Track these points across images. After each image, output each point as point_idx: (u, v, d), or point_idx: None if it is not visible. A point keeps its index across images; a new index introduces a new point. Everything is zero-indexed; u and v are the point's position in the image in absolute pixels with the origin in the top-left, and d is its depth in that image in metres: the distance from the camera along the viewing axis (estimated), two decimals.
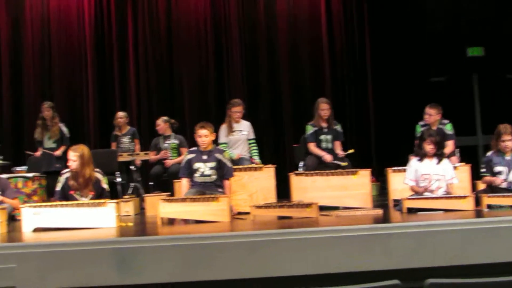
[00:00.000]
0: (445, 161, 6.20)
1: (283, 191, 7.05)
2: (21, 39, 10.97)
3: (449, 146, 7.32)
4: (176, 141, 8.74)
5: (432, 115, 7.52)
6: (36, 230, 5.56)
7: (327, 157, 7.48)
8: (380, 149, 10.47)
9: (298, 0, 10.98)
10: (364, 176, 6.63)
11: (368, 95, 10.80)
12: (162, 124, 8.87)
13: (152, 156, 8.75)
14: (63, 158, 7.64)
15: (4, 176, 7.27)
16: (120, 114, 9.35)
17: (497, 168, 6.25)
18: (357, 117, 10.76)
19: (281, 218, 5.75)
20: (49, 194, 7.64)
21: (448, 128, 7.57)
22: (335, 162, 7.41)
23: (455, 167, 6.47)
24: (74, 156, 6.25)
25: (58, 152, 8.59)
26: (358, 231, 4.42)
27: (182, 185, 6.61)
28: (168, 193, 7.38)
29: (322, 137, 7.70)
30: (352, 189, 6.54)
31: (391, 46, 10.59)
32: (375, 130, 10.66)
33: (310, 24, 10.95)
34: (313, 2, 10.99)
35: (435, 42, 10.09)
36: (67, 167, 6.44)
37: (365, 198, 6.52)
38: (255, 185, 6.82)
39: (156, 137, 9.02)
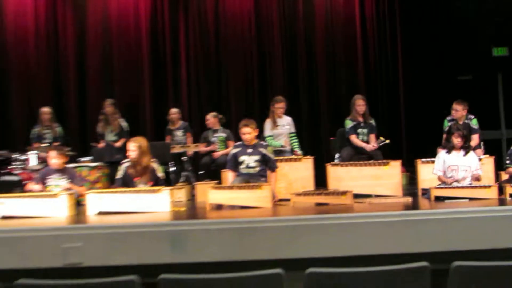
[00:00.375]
0: (471, 153, 6.12)
1: (320, 180, 7.04)
2: (85, 42, 11.13)
3: (475, 139, 7.24)
4: (224, 134, 8.81)
5: (459, 110, 7.45)
6: (100, 213, 5.67)
7: (368, 147, 7.53)
8: (410, 142, 10.37)
9: (334, 3, 10.89)
10: (395, 167, 6.57)
11: (399, 91, 10.69)
12: (211, 118, 8.94)
13: (202, 148, 8.82)
14: (123, 150, 7.73)
15: (71, 165, 7.43)
16: (173, 110, 9.45)
17: None
18: (389, 112, 10.65)
19: (318, 204, 5.75)
20: (111, 182, 7.75)
21: (474, 123, 7.48)
22: (379, 144, 7.47)
23: (480, 159, 6.39)
24: (133, 147, 6.35)
25: (118, 144, 8.72)
26: (389, 217, 4.41)
27: (228, 177, 6.64)
28: (217, 181, 7.43)
29: (359, 130, 7.72)
30: (384, 178, 6.49)
31: (421, 46, 10.46)
32: (406, 124, 10.56)
33: (345, 25, 10.86)
34: (348, 4, 10.89)
35: (463, 43, 9.94)
36: (126, 157, 6.53)
37: (396, 187, 6.47)
38: (295, 174, 6.83)
39: (205, 131, 9.09)
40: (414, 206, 5.54)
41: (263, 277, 2.79)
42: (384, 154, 7.71)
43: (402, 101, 10.64)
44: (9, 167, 8.39)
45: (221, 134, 8.82)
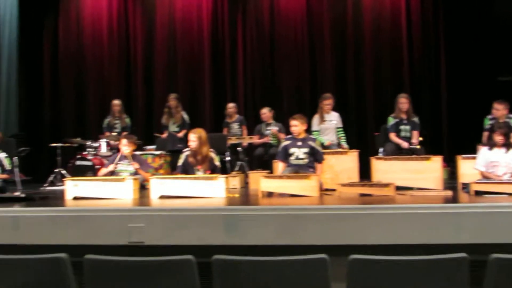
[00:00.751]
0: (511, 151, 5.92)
1: (364, 172, 6.93)
2: (153, 41, 11.30)
3: None
4: (276, 128, 8.80)
5: (499, 110, 7.22)
6: (161, 197, 5.72)
7: (404, 144, 7.38)
8: (451, 139, 10.11)
9: (381, 5, 10.69)
10: (436, 162, 6.40)
11: (441, 90, 10.41)
12: (267, 112, 8.97)
13: (255, 140, 8.85)
14: (184, 140, 7.80)
15: (138, 153, 7.56)
16: (230, 104, 9.50)
17: None
18: (431, 110, 10.39)
19: (362, 195, 5.65)
20: (172, 169, 7.84)
21: None
22: (411, 147, 7.28)
23: None
24: (194, 138, 6.41)
25: (180, 134, 8.81)
26: (430, 209, 4.29)
27: (279, 167, 6.63)
28: (268, 171, 7.41)
29: (402, 127, 7.57)
30: (425, 172, 6.33)
31: (463, 47, 10.17)
32: (447, 122, 10.28)
33: (392, 27, 10.62)
34: (395, 6, 10.67)
35: (503, 44, 9.63)
36: (187, 147, 6.60)
37: (437, 181, 6.29)
38: (341, 166, 6.76)
39: (259, 124, 9.11)
40: (454, 199, 5.38)
41: (308, 261, 2.75)
42: (426, 150, 7.58)
43: (444, 100, 10.36)
44: (83, 153, 8.60)
45: (274, 128, 8.80)
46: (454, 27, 10.36)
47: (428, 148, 8.15)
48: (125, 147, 6.74)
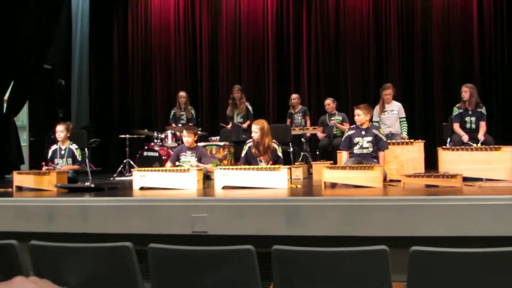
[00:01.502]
0: None
1: (431, 163, 6.79)
2: (218, 35, 11.46)
3: None
4: (340, 118, 8.77)
5: None
6: (225, 187, 5.79)
7: (464, 138, 7.19)
8: None
9: None
10: (507, 152, 6.17)
11: None
12: (331, 103, 8.93)
13: (319, 132, 8.86)
14: (248, 131, 7.88)
15: (201, 144, 7.68)
16: (294, 95, 9.51)
17: None
18: (503, 100, 10.03)
19: (428, 186, 5.54)
20: (236, 159, 7.95)
21: None
22: (470, 143, 7.04)
23: None
24: (256, 129, 6.46)
25: (244, 125, 8.90)
26: (498, 201, 4.16)
27: (342, 157, 6.62)
28: (331, 161, 7.37)
29: (467, 118, 7.35)
30: (495, 163, 6.13)
31: None
32: None
33: (462, 14, 10.32)
34: None
35: None
36: (251, 138, 6.66)
37: (507, 172, 6.08)
38: (406, 157, 6.64)
39: (323, 115, 9.09)
40: None
41: (369, 253, 2.73)
42: (497, 140, 7.33)
43: None
44: (150, 144, 8.83)
45: (337, 118, 8.78)
46: None
47: (500, 138, 7.88)
48: (186, 137, 6.87)
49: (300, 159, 8.71)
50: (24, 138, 9.97)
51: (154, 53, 11.70)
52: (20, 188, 6.26)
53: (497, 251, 2.60)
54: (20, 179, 6.34)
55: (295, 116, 9.38)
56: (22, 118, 10.10)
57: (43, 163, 6.89)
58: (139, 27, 11.83)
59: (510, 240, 3.59)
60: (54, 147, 7.19)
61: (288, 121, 9.45)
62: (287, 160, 8.02)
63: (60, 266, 2.91)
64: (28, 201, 4.93)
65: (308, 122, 9.30)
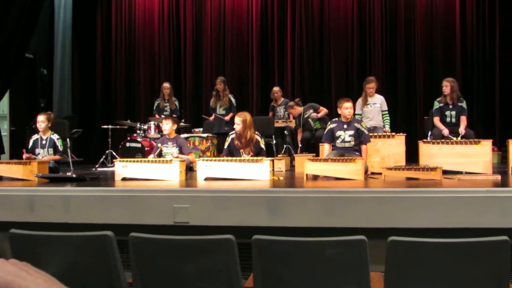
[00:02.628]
0: None
1: (412, 156, 6.87)
2: (202, 26, 11.44)
3: None
4: (311, 110, 8.87)
5: None
6: (207, 179, 5.80)
7: (445, 131, 7.24)
8: (503, 123, 9.87)
9: None
10: (486, 146, 6.26)
11: (495, 74, 10.15)
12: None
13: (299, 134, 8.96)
14: (231, 123, 7.89)
15: (184, 135, 7.68)
16: (276, 88, 9.55)
17: None
18: (483, 94, 10.17)
19: (408, 179, 5.61)
20: (219, 151, 7.96)
21: None
22: (450, 136, 7.12)
23: None
24: (238, 121, 6.47)
25: (227, 118, 8.91)
26: (477, 193, 4.23)
27: (325, 149, 6.66)
28: (314, 154, 7.42)
29: (447, 112, 7.42)
30: (474, 157, 6.21)
31: None
32: (500, 106, 10.04)
33: (445, 9, 10.42)
34: None
35: None
36: (233, 129, 6.67)
37: (486, 165, 6.16)
38: (388, 150, 6.71)
39: (305, 106, 9.15)
40: (503, 183, 5.26)
41: (347, 243, 2.77)
42: (477, 134, 7.43)
43: (497, 83, 10.11)
44: (133, 135, 8.81)
45: (309, 111, 8.85)
46: (509, 16, 10.04)
47: (479, 132, 7.99)
48: (164, 124, 6.89)
49: (283, 152, 8.75)
50: (4, 128, 9.89)
51: (137, 43, 11.65)
52: (0, 178, 6.23)
53: (474, 242, 2.66)
54: (0, 168, 6.31)
55: (278, 108, 9.41)
56: (3, 107, 10.01)
57: (24, 150, 6.86)
58: (123, 17, 11.77)
59: (488, 231, 3.66)
60: (35, 137, 7.14)
61: (271, 113, 9.48)
62: (270, 152, 8.06)
63: (40, 254, 2.91)
64: (9, 190, 4.91)
65: (291, 115, 9.33)
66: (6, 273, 0.75)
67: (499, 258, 2.61)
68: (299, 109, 8.83)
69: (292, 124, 9.03)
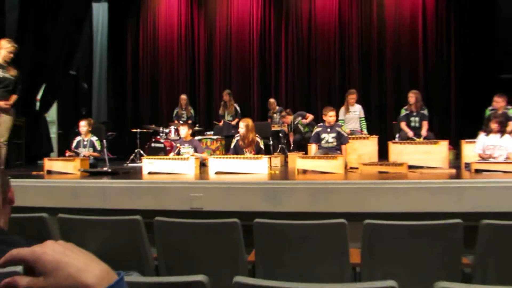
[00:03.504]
0: (506, 136, 5.74)
1: (383, 154, 6.86)
2: (212, 45, 11.45)
3: (511, 125, 6.75)
4: (299, 118, 8.91)
5: (499, 102, 6.99)
6: (217, 173, 5.80)
7: (410, 134, 7.27)
8: (458, 126, 9.87)
9: (401, 15, 10.45)
10: (443, 145, 6.27)
11: (451, 86, 10.15)
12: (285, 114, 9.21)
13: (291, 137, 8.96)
14: (237, 127, 7.87)
15: (198, 138, 7.68)
16: (271, 100, 9.60)
17: None
18: (442, 103, 10.17)
19: (380, 172, 5.61)
20: (226, 150, 7.95)
21: (511, 113, 6.97)
22: (414, 138, 7.13)
23: None
24: (242, 125, 6.46)
25: (233, 123, 8.91)
26: (436, 184, 4.23)
27: (312, 149, 6.66)
28: (303, 152, 7.42)
29: (412, 118, 7.43)
30: (434, 154, 6.21)
31: (471, 49, 9.89)
32: (455, 112, 10.04)
33: (410, 32, 10.43)
34: (413, 15, 10.42)
35: (506, 47, 9.26)
36: (238, 133, 6.67)
37: (443, 161, 6.17)
38: (363, 149, 6.70)
39: (295, 114, 9.15)
40: (457, 176, 5.25)
41: (331, 225, 2.77)
42: (436, 135, 7.43)
43: (453, 94, 10.13)
44: (156, 137, 8.80)
45: (298, 118, 8.88)
46: (464, 33, 10.09)
47: (439, 134, 8.00)
48: (181, 130, 6.92)
49: (278, 151, 8.74)
50: (53, 131, 9.89)
51: (160, 62, 11.65)
52: (50, 172, 6.23)
53: (434, 224, 2.67)
54: (50, 164, 6.31)
55: (274, 115, 9.41)
56: (52, 114, 10.01)
57: (67, 151, 6.90)
58: (148, 40, 11.77)
59: (444, 215, 3.66)
60: (78, 138, 7.15)
61: (269, 120, 9.47)
62: (268, 151, 8.06)
63: (83, 235, 2.93)
64: (57, 182, 4.92)
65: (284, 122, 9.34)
66: (55, 252, 0.76)
67: (453, 237, 2.62)
68: (290, 118, 8.87)
69: (286, 128, 9.04)
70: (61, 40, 8.77)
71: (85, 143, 7.06)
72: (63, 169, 6.17)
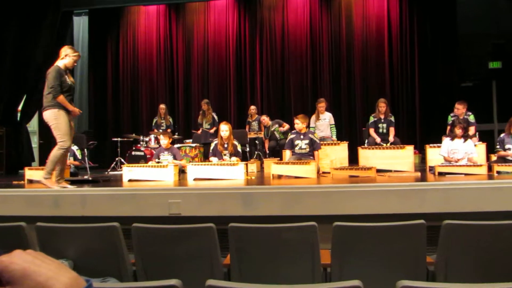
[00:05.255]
0: (469, 140, 5.86)
1: (353, 159, 6.93)
2: (191, 57, 11.39)
3: (472, 130, 6.92)
4: (276, 125, 8.90)
5: (460, 108, 7.14)
6: (195, 179, 5.77)
7: (377, 140, 7.35)
8: (422, 132, 10.05)
9: (369, 29, 10.61)
10: (409, 150, 6.37)
11: (416, 95, 10.32)
12: (266, 118, 9.23)
13: (266, 144, 8.95)
14: (214, 135, 7.86)
15: (177, 145, 7.63)
16: (252, 107, 9.57)
17: (507, 146, 5.86)
18: (407, 110, 10.34)
19: (351, 176, 5.66)
20: (205, 157, 7.91)
21: (471, 118, 7.13)
22: (382, 143, 7.21)
23: (475, 145, 6.10)
24: (226, 128, 6.48)
25: (211, 131, 8.87)
26: (403, 187, 4.27)
27: (286, 155, 6.66)
28: (278, 158, 7.43)
29: (380, 125, 7.51)
30: (401, 158, 6.30)
31: (434, 60, 10.11)
32: (420, 118, 10.21)
33: (377, 46, 10.58)
34: (379, 26, 10.59)
35: (466, 58, 9.49)
36: (216, 139, 6.65)
37: (409, 165, 6.27)
38: (335, 154, 6.74)
39: (272, 121, 9.17)
40: (422, 178, 5.33)
41: (302, 228, 2.77)
42: (402, 141, 7.54)
43: (417, 103, 10.30)
44: (137, 145, 8.71)
45: (275, 126, 8.90)
46: (426, 44, 10.30)
47: (405, 140, 8.12)
48: (162, 140, 6.85)
49: (254, 157, 8.74)
50: (35, 141, 9.70)
51: (140, 73, 11.54)
52: (31, 181, 6.10)
53: (399, 224, 2.69)
54: (31, 173, 6.18)
55: (252, 123, 9.40)
56: (33, 124, 9.82)
57: (47, 161, 6.74)
58: (128, 51, 11.65)
59: (410, 216, 3.71)
60: None
61: (247, 127, 9.46)
62: (245, 157, 8.05)
63: (61, 243, 2.86)
64: (38, 191, 4.81)
65: (262, 124, 9.35)
66: (22, 261, 0.74)
67: (418, 236, 2.65)
68: (268, 121, 8.92)
69: (262, 135, 9.05)
70: (42, 52, 8.62)
71: None
72: None
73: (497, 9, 8.63)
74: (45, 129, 9.87)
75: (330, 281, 2.74)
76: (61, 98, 4.90)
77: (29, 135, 8.99)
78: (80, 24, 11.70)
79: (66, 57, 5.02)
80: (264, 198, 4.28)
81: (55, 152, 4.93)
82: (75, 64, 5.23)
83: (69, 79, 5.03)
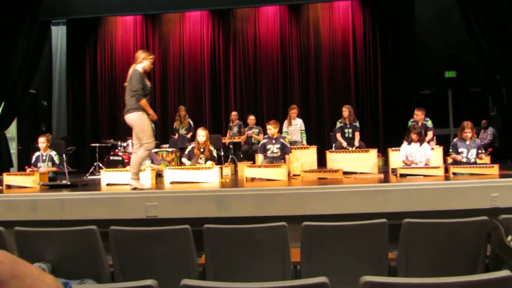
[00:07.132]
0: (425, 144, 6.02)
1: (322, 162, 7.00)
2: (167, 65, 11.29)
3: (430, 135, 7.09)
4: (257, 130, 8.84)
5: (418, 114, 7.30)
6: (172, 182, 5.73)
7: (344, 144, 7.47)
8: (385, 136, 10.23)
9: (335, 41, 10.76)
10: (373, 153, 6.48)
11: (379, 102, 10.51)
12: (253, 119, 9.10)
13: (243, 138, 8.90)
14: (190, 139, 7.81)
15: (154, 150, 7.53)
16: (234, 112, 9.56)
17: (460, 149, 6.02)
18: (371, 116, 10.51)
19: (320, 178, 5.71)
20: (181, 162, 7.84)
21: (429, 124, 7.31)
22: (348, 147, 7.32)
23: (432, 149, 6.27)
24: (204, 133, 6.48)
25: (188, 136, 8.82)
26: (367, 188, 4.34)
27: (259, 158, 6.69)
28: (251, 161, 7.44)
29: (346, 130, 7.63)
30: (365, 161, 6.40)
31: (395, 69, 10.32)
32: (383, 124, 10.39)
33: (342, 56, 10.72)
34: (344, 37, 10.74)
35: (425, 68, 9.76)
36: (192, 143, 6.61)
37: (373, 167, 6.37)
38: (304, 158, 6.79)
39: (245, 127, 9.13)
40: (385, 180, 5.43)
41: (273, 228, 2.79)
42: (367, 144, 7.65)
43: (380, 109, 10.48)
44: (115, 151, 8.58)
45: (255, 130, 8.85)
46: (388, 55, 10.50)
47: (369, 144, 8.24)
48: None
49: (229, 160, 8.72)
50: (13, 147, 9.41)
51: (118, 79, 11.33)
52: (9, 186, 5.93)
53: (363, 223, 2.73)
54: (9, 179, 6.01)
55: (233, 127, 9.36)
56: (11, 131, 9.54)
57: (26, 167, 6.61)
58: (106, 59, 11.47)
59: (373, 215, 3.77)
60: (37, 153, 6.87)
61: (228, 132, 9.41)
62: (220, 161, 8.02)
63: (39, 246, 2.79)
64: (16, 196, 4.68)
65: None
66: (9, 260, 0.71)
67: (380, 234, 2.70)
68: (254, 121, 9.00)
69: (240, 140, 9.00)
70: (20, 61, 8.40)
71: (44, 157, 6.79)
72: (22, 183, 5.90)
73: (452, 23, 8.90)
74: (23, 135, 9.67)
75: (300, 278, 2.76)
76: (144, 102, 4.82)
77: (7, 141, 8.72)
78: (59, 34, 11.45)
79: (143, 61, 4.92)
80: (238, 200, 4.29)
81: (141, 154, 4.90)
82: (152, 66, 5.12)
83: (148, 83, 4.94)
